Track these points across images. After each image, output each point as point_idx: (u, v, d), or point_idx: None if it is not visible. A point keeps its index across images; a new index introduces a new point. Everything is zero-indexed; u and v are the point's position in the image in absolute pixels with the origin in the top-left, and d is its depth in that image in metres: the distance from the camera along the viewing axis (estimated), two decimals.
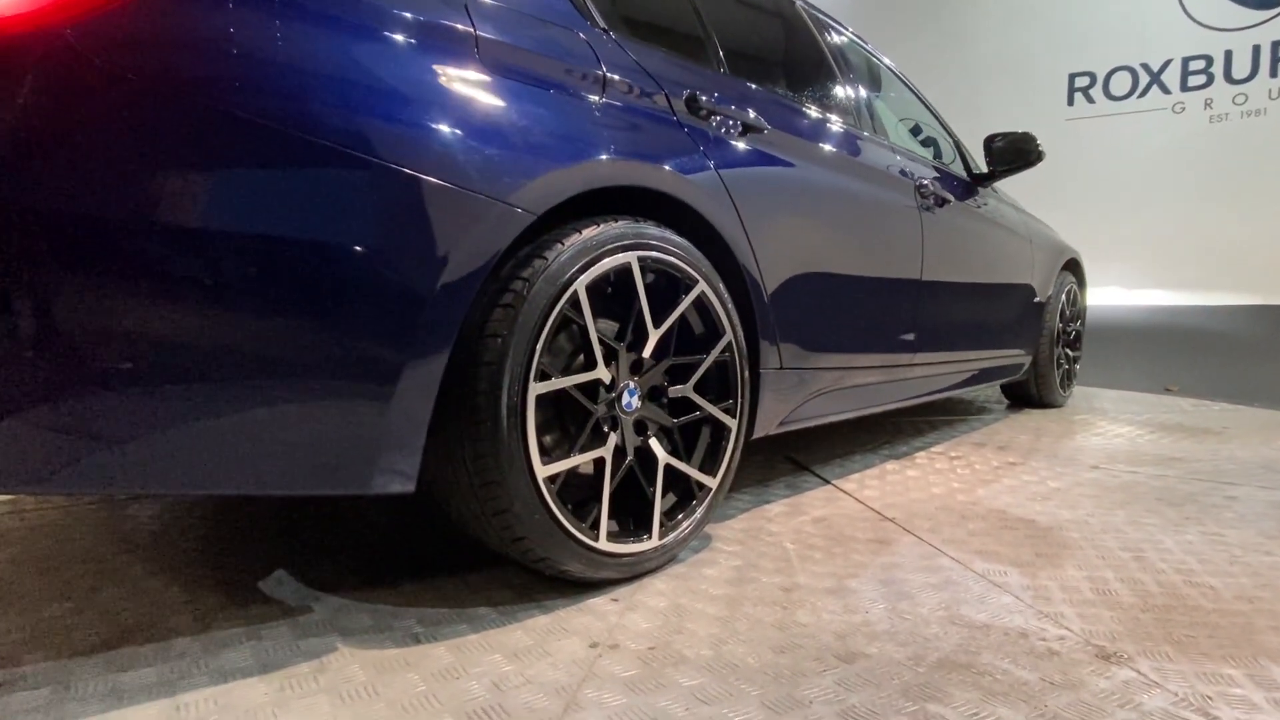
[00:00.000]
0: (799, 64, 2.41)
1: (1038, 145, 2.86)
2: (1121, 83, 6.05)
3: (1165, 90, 5.92)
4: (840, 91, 2.35)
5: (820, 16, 2.48)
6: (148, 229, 0.88)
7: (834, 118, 2.20)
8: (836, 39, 2.52)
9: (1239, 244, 5.82)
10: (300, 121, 0.98)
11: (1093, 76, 6.11)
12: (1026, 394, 3.68)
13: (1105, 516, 1.85)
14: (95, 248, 0.86)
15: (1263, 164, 5.74)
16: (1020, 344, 3.29)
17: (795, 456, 2.45)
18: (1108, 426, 3.19)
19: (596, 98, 1.40)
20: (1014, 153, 2.91)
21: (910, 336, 2.37)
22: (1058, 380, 3.70)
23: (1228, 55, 5.71)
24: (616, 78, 1.46)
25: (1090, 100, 6.14)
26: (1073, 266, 3.82)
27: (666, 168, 1.48)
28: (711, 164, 1.58)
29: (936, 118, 3.01)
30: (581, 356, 1.35)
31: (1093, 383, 4.48)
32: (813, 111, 2.12)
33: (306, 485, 1.05)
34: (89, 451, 0.88)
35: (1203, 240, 5.90)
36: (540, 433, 1.24)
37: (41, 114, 0.84)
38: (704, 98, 1.63)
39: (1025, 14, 6.33)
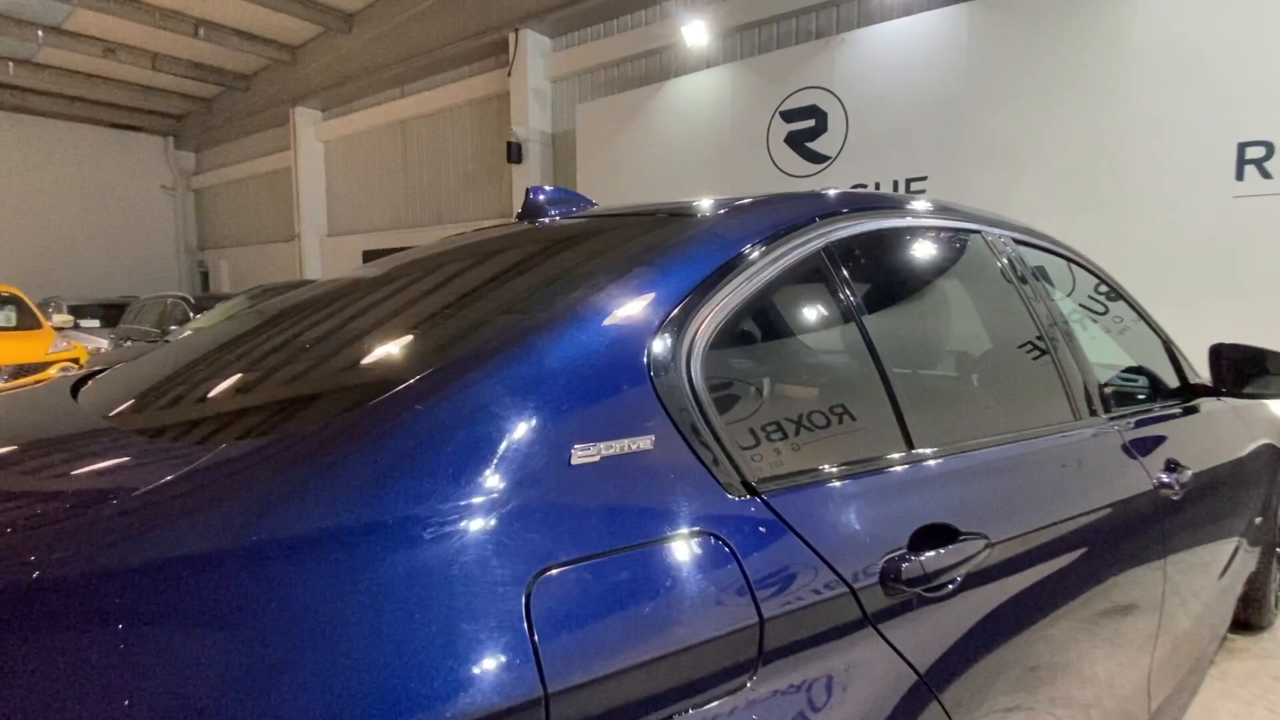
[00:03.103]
0: (1005, 345, 1.78)
1: None
2: None
3: None
4: (1056, 376, 1.66)
5: (1018, 246, 1.83)
6: None
7: (1054, 445, 1.56)
8: (1031, 261, 1.86)
9: None
10: None
11: (1269, 147, 5.15)
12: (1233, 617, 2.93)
13: None
14: None
15: None
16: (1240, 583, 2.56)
17: None
18: None
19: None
20: (1251, 371, 2.18)
21: (1146, 688, 1.72)
22: (1272, 600, 2.94)
23: None
24: (777, 612, 0.87)
25: (1265, 174, 5.18)
26: None
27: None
28: (916, 664, 1.00)
29: (1141, 315, 2.31)
30: None
31: None
32: (1030, 472, 1.45)
33: None
34: None
35: None
36: None
37: None
38: (900, 567, 1.02)
39: (1188, 71, 5.40)
